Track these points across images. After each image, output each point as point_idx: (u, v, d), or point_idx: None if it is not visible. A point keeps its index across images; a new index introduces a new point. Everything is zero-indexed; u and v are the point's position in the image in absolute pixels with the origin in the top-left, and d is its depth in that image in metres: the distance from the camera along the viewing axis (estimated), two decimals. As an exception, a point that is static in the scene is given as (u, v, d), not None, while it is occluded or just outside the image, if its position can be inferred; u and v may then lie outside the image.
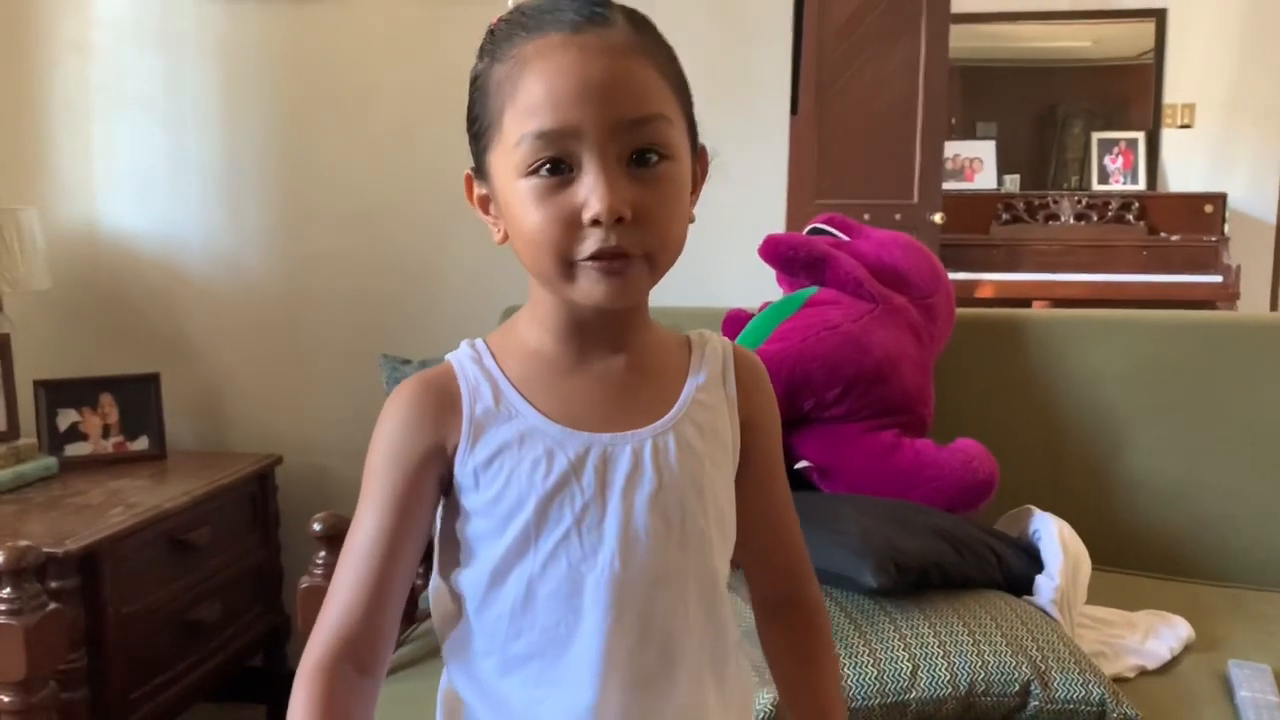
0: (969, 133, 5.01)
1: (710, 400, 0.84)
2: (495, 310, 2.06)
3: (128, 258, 2.43)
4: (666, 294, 0.80)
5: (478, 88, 0.78)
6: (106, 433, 2.24)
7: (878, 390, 1.60)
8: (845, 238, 1.85)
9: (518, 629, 0.78)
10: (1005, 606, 1.36)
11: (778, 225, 2.26)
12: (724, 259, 2.17)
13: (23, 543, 1.29)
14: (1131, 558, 1.77)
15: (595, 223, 0.72)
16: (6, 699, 1.27)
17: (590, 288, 0.74)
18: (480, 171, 0.80)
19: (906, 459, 1.57)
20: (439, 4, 2.26)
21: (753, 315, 1.79)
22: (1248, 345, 1.85)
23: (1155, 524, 1.80)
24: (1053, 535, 1.50)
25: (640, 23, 0.77)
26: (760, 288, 1.96)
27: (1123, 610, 1.57)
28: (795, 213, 2.36)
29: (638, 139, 0.73)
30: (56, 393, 2.19)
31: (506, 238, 0.79)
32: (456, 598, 0.82)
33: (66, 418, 2.20)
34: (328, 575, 1.41)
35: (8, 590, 1.26)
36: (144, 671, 1.92)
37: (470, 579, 0.80)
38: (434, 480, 0.80)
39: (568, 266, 0.74)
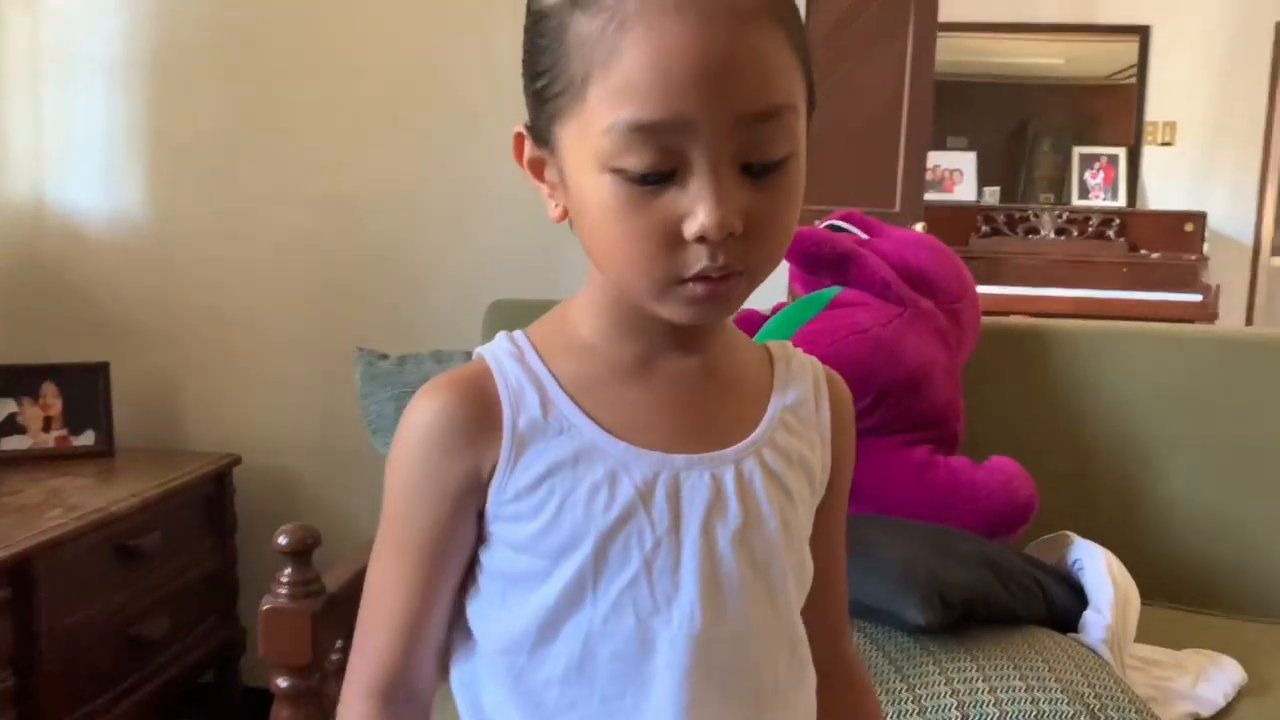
0: (939, 146, 4.94)
1: (798, 425, 0.69)
2: (480, 304, 1.91)
3: (77, 236, 2.23)
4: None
5: (550, 32, 0.59)
6: (48, 426, 2.05)
7: (910, 401, 1.47)
8: (864, 235, 1.72)
9: (570, 699, 0.63)
10: (1055, 646, 1.23)
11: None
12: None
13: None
14: (1169, 591, 1.64)
15: (700, 238, 0.57)
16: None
17: (682, 308, 0.60)
18: (540, 135, 0.62)
19: (942, 478, 1.44)
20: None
21: (767, 317, 1.65)
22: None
23: (1195, 555, 1.68)
24: (1100, 568, 1.37)
25: None
26: (770, 287, 1.82)
27: (1169, 649, 1.45)
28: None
29: (759, 136, 0.57)
30: (-7, 380, 2.01)
31: (566, 215, 0.63)
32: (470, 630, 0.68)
33: (4, 408, 2.02)
34: (293, 595, 1.26)
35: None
36: (82, 691, 1.74)
37: (509, 634, 0.65)
38: (472, 516, 0.65)
39: (660, 286, 0.59)
